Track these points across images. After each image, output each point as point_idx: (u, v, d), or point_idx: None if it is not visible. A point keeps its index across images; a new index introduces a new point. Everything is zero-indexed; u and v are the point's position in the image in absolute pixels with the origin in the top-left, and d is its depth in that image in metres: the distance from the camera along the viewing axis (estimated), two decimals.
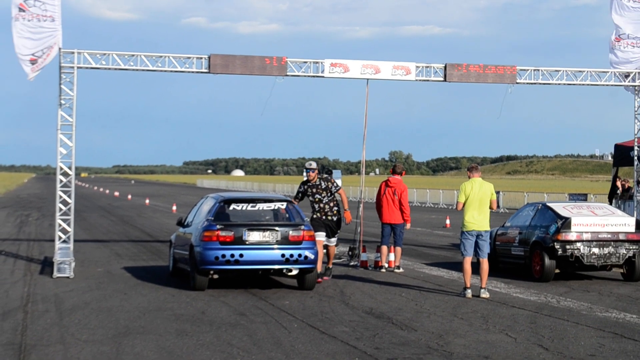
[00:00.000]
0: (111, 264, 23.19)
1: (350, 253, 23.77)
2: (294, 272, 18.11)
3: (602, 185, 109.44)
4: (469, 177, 17.80)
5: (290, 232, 17.75)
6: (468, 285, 17.44)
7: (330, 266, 20.36)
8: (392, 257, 22.23)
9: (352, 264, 23.20)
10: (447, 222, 44.63)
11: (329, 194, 19.99)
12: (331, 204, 20.03)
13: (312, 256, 17.79)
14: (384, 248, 22.22)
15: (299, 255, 17.63)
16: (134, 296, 17.07)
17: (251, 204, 18.47)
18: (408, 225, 22.49)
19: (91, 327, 13.61)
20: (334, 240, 20.29)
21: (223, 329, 13.58)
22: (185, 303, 16.18)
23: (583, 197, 45.01)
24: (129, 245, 29.80)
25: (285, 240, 17.68)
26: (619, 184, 30.90)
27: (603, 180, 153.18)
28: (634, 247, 20.09)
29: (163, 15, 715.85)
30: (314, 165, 19.93)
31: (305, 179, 20.47)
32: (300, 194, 20.20)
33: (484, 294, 17.26)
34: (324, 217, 19.97)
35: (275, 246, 17.63)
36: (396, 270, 21.87)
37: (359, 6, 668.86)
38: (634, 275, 20.37)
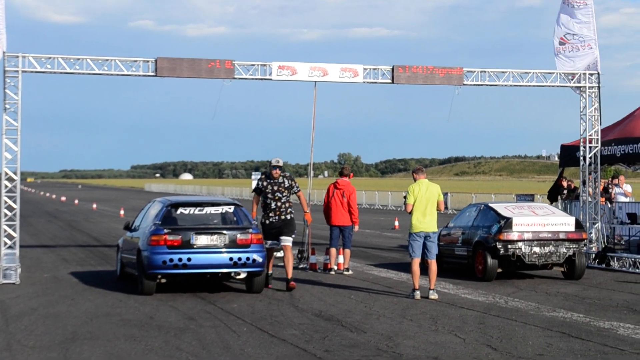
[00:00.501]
0: (58, 269, 22.97)
1: (299, 256, 23.75)
2: (242, 276, 18.14)
3: (549, 185, 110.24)
4: (415, 180, 17.85)
5: (238, 236, 17.73)
6: (417, 286, 17.47)
7: (290, 276, 18.85)
8: (341, 259, 22.26)
9: (301, 266, 23.17)
10: (396, 223, 44.80)
11: (288, 194, 19.16)
12: (287, 204, 19.11)
13: (260, 259, 17.75)
14: (333, 250, 22.24)
15: (247, 259, 17.59)
16: (81, 302, 16.91)
17: (199, 208, 18.47)
18: (356, 227, 22.54)
19: (38, 334, 13.46)
20: (290, 239, 19.04)
21: (172, 333, 13.49)
22: (134, 308, 16.07)
23: (530, 198, 45.30)
24: (76, 250, 29.53)
25: (233, 244, 17.65)
26: (564, 184, 31.17)
27: (550, 181, 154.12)
28: (574, 246, 20.50)
29: (110, 18, 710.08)
30: (281, 162, 19.03)
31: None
32: (259, 190, 19.15)
33: (433, 295, 17.31)
34: (277, 218, 18.94)
35: (223, 250, 17.61)
36: (345, 273, 21.89)
37: (306, 8, 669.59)
38: (574, 274, 20.72)
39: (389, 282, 20.30)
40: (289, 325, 14.17)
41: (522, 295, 18.03)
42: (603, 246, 24.19)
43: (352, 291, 18.54)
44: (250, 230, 17.90)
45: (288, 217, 19.01)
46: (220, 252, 17.59)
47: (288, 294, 18.00)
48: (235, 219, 18.39)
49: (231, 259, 17.55)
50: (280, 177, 18.97)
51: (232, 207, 18.63)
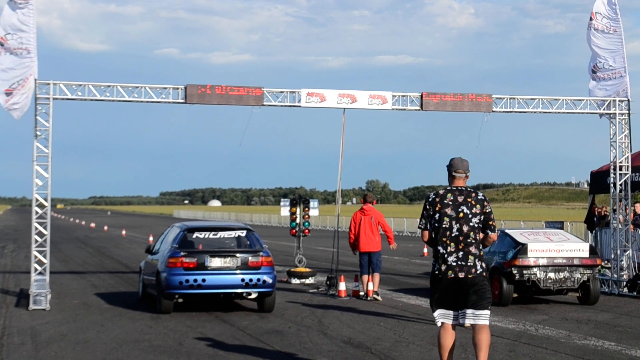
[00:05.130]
0: (88, 295, 23.05)
1: (328, 282, 23.71)
2: (254, 296, 19.10)
3: (579, 212, 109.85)
4: None
5: (250, 258, 18.87)
6: None
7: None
8: (370, 286, 22.18)
9: (330, 293, 23.13)
10: (425, 250, 44.64)
11: (479, 224, 10.87)
12: (474, 246, 10.87)
13: (270, 280, 18.88)
14: (365, 277, 22.18)
15: (258, 280, 18.76)
16: (110, 328, 16.96)
17: (213, 232, 19.70)
18: (394, 245, 22.76)
19: None
20: (485, 315, 10.95)
21: None
22: (163, 334, 16.09)
23: (559, 225, 45.09)
24: (105, 276, 29.63)
25: (244, 266, 18.81)
26: (595, 211, 31.01)
27: (579, 208, 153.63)
28: (588, 272, 20.86)
29: (135, 47, 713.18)
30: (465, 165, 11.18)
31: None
32: (425, 220, 11.05)
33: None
34: (454, 269, 10.88)
35: (236, 271, 18.75)
36: (376, 297, 21.82)
37: (330, 36, 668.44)
38: (589, 299, 21.10)
39: (418, 309, 20.22)
40: (318, 352, 14.13)
41: (552, 323, 17.91)
42: (634, 273, 24.01)
43: (381, 318, 18.48)
44: (261, 254, 19.04)
45: (477, 270, 10.90)
46: (233, 274, 18.75)
47: (317, 321, 17.94)
48: (247, 242, 19.51)
49: (243, 279, 18.70)
50: (472, 193, 10.93)
51: (245, 232, 19.77)
